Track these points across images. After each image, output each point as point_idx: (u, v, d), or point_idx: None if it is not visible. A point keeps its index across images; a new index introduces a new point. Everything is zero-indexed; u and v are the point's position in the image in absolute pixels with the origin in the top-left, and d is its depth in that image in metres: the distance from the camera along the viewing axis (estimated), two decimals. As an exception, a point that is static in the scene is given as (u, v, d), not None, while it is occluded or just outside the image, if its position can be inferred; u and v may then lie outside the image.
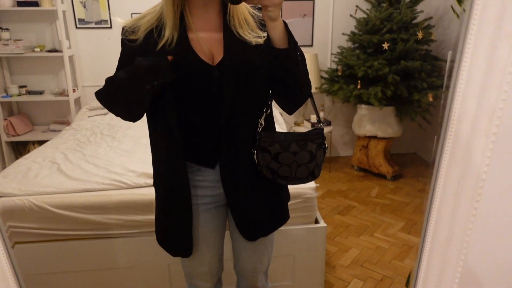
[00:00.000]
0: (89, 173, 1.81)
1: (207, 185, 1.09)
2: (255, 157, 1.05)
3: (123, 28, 1.00)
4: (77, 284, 1.72)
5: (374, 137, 3.32)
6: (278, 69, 0.96)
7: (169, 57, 0.94)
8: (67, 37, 3.28)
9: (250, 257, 1.20)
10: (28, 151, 3.34)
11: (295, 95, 1.03)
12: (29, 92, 3.37)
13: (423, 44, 2.96)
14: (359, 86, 3.02)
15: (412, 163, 3.71)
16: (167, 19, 0.95)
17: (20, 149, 3.41)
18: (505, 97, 0.43)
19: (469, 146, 0.47)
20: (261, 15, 1.01)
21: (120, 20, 1.01)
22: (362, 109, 3.27)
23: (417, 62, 2.84)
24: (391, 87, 2.91)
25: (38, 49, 3.22)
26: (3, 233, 0.52)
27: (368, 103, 3.11)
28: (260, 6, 0.90)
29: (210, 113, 1.01)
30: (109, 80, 0.98)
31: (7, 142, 3.31)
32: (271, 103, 1.09)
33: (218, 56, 0.98)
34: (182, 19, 0.96)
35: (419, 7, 3.07)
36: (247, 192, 1.08)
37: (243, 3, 0.91)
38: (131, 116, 1.02)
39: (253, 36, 0.97)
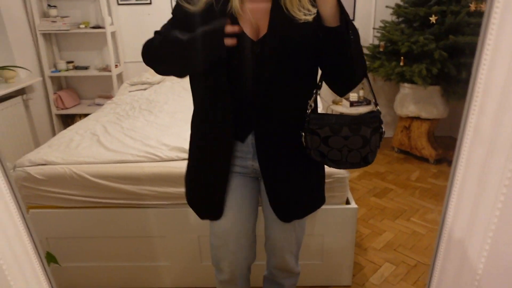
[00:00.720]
0: (126, 145, 1.88)
1: (241, 156, 1.09)
2: (303, 139, 1.02)
3: None
4: (112, 249, 1.82)
5: (418, 118, 3.15)
6: (328, 49, 0.91)
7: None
8: (109, 14, 3.37)
9: (279, 236, 1.19)
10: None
11: (347, 76, 0.97)
12: (76, 68, 3.53)
13: (476, 17, 2.72)
14: (402, 63, 2.85)
15: (458, 147, 3.49)
16: None
17: (68, 121, 3.61)
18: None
19: (497, 121, 0.41)
20: None
21: None
22: (405, 88, 3.10)
23: (468, 36, 2.62)
24: (437, 64, 2.72)
25: (83, 26, 3.34)
26: (18, 199, 0.54)
27: (411, 81, 2.94)
28: None
29: (248, 88, 1.00)
30: (163, 38, 0.98)
31: (56, 115, 3.51)
32: (321, 84, 1.04)
33: (263, 30, 0.96)
34: None
35: (474, -24, 2.81)
36: (283, 170, 1.07)
37: None
38: (172, 74, 1.04)
39: (303, 13, 0.92)
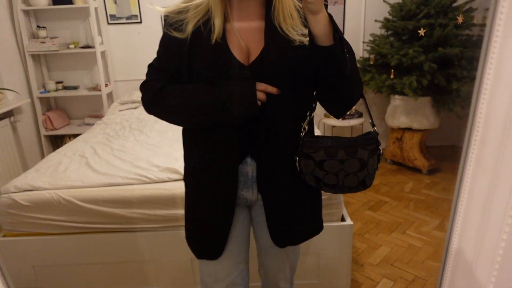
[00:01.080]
0: (115, 167, 1.84)
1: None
2: (297, 163, 0.96)
3: (165, 20, 0.94)
4: (102, 276, 1.76)
5: (409, 129, 3.16)
6: (322, 69, 0.86)
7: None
8: (99, 33, 3.35)
9: (272, 264, 1.15)
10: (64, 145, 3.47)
11: (343, 97, 0.91)
12: (65, 88, 3.50)
13: (463, 29, 2.75)
14: (392, 76, 2.86)
15: (450, 156, 3.50)
16: (215, 9, 0.88)
17: (57, 142, 3.56)
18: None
19: (500, 152, 0.39)
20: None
21: (160, 9, 0.95)
22: (396, 100, 3.11)
23: (457, 48, 2.64)
24: (427, 76, 2.73)
25: (73, 46, 3.32)
26: None
27: (402, 93, 2.95)
28: None
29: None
30: (184, 97, 0.92)
31: (45, 136, 3.45)
32: (315, 105, 0.98)
33: (255, 52, 0.90)
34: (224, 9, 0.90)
35: (459, -11, 2.85)
36: (283, 196, 1.01)
37: None
38: (185, 125, 1.01)
39: (297, 33, 0.87)
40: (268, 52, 0.89)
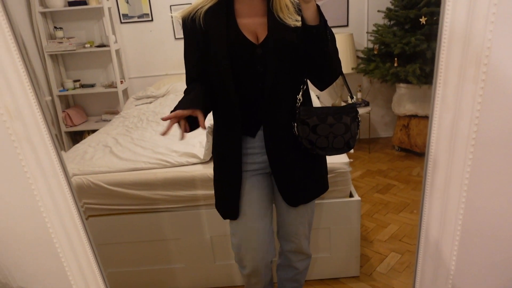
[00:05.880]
0: (137, 154, 1.99)
1: (254, 152, 1.22)
2: (295, 129, 1.16)
3: (183, 21, 1.14)
4: (127, 255, 1.90)
5: (415, 116, 3.25)
6: (309, 45, 1.06)
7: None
8: (113, 32, 3.51)
9: (293, 220, 1.31)
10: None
11: (325, 71, 1.12)
12: (82, 86, 3.67)
13: (465, 16, 2.83)
14: (395, 64, 2.96)
15: (457, 142, 3.57)
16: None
17: (77, 138, 3.73)
18: (490, 45, 0.47)
19: (458, 92, 0.51)
20: (297, 1, 1.12)
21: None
22: (401, 88, 3.20)
23: (458, 35, 2.73)
24: (430, 63, 2.82)
25: (88, 45, 3.48)
26: (79, 208, 0.65)
27: (406, 81, 3.05)
28: None
29: (254, 87, 1.14)
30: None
31: (66, 132, 3.63)
32: (307, 80, 1.20)
33: (262, 36, 1.12)
34: (232, 5, 1.13)
35: (460, -23, 2.93)
36: (289, 161, 1.20)
37: None
38: None
39: (292, 20, 1.10)
40: (272, 35, 1.11)
